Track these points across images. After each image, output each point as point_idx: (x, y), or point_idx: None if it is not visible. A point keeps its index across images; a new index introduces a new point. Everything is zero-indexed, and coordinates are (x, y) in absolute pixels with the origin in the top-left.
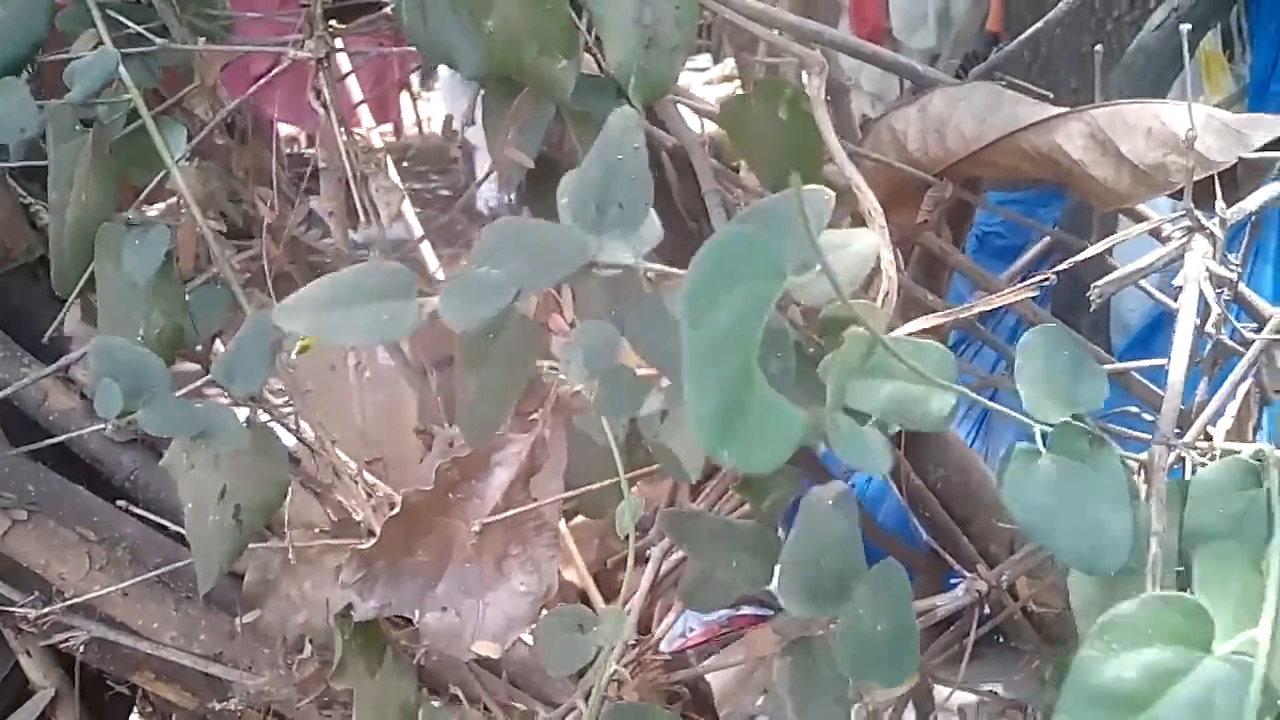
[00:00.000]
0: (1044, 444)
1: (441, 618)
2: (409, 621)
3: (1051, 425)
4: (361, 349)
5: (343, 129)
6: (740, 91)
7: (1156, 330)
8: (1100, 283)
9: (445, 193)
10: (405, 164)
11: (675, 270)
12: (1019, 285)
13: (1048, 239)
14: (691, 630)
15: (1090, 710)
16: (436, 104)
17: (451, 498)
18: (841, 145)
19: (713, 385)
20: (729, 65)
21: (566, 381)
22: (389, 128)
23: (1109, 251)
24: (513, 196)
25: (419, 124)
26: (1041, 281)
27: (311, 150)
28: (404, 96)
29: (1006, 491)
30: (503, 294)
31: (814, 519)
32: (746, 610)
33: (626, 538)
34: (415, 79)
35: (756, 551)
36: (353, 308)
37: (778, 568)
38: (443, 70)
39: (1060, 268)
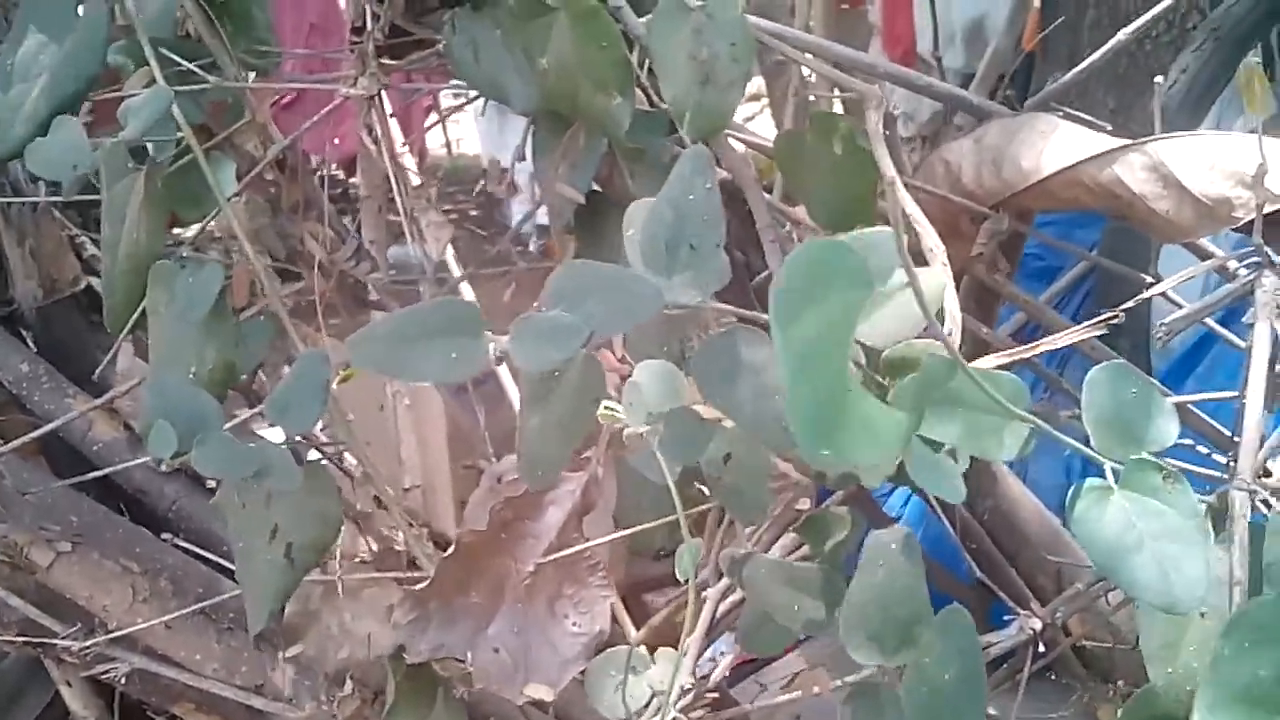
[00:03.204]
0: (1115, 481)
1: (495, 659)
2: (460, 661)
3: (1122, 462)
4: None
5: (392, 164)
6: (793, 127)
7: (1198, 355)
8: (1169, 319)
9: (474, 213)
10: (434, 185)
11: (742, 311)
12: (1086, 325)
13: (1085, 262)
14: (722, 654)
15: (1231, 708)
16: (466, 125)
17: (505, 537)
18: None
19: (810, 387)
20: (757, 83)
21: (619, 420)
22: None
23: (1153, 279)
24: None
25: (448, 145)
26: (1110, 319)
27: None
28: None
29: (1078, 529)
30: (574, 337)
31: (878, 563)
32: None
33: (685, 581)
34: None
35: (818, 594)
36: (422, 344)
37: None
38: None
39: (1125, 305)
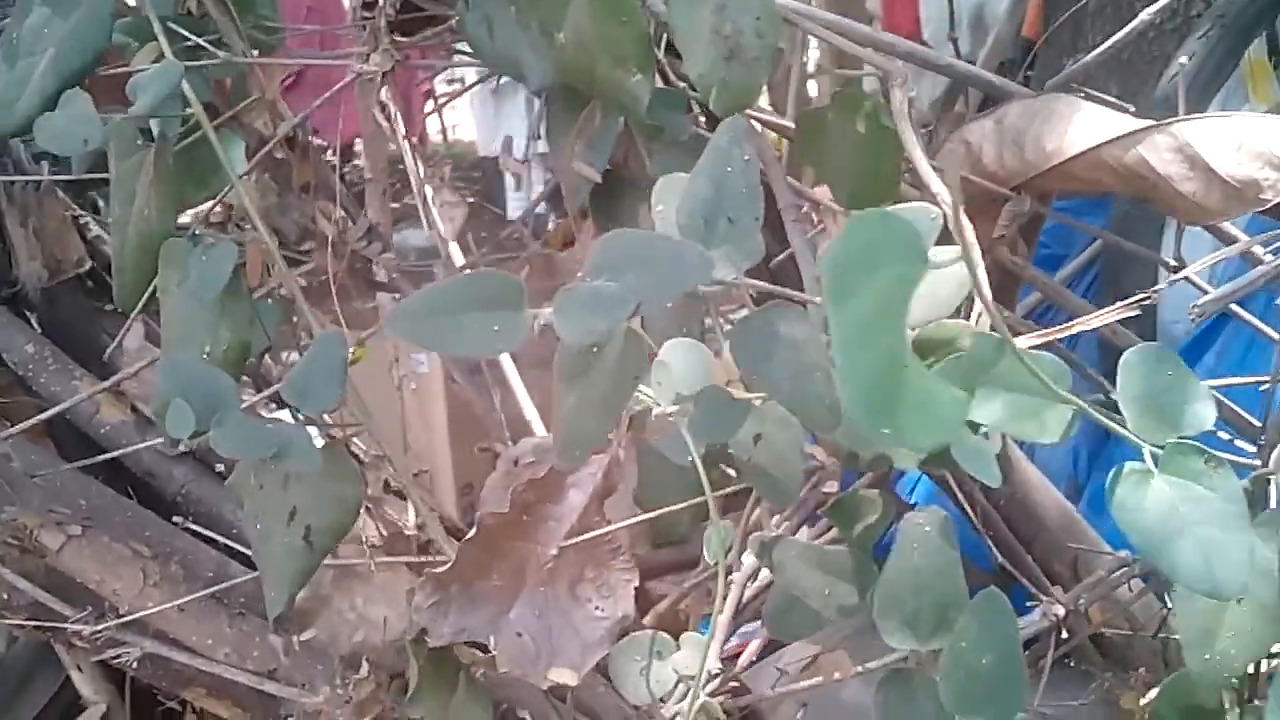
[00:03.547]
0: (1155, 465)
1: (517, 643)
2: (482, 646)
3: (1161, 446)
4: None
5: (404, 142)
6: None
7: (1204, 343)
8: (1200, 302)
9: (471, 200)
10: (446, 166)
11: (778, 289)
12: (1115, 308)
13: (1092, 248)
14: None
15: None
16: (461, 111)
17: (526, 520)
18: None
19: (865, 364)
20: None
21: (647, 400)
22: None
23: (1160, 263)
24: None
25: (444, 131)
26: (1143, 300)
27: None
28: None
29: (1118, 513)
30: (620, 308)
31: (913, 546)
32: None
33: (715, 564)
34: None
35: (850, 578)
36: (462, 317)
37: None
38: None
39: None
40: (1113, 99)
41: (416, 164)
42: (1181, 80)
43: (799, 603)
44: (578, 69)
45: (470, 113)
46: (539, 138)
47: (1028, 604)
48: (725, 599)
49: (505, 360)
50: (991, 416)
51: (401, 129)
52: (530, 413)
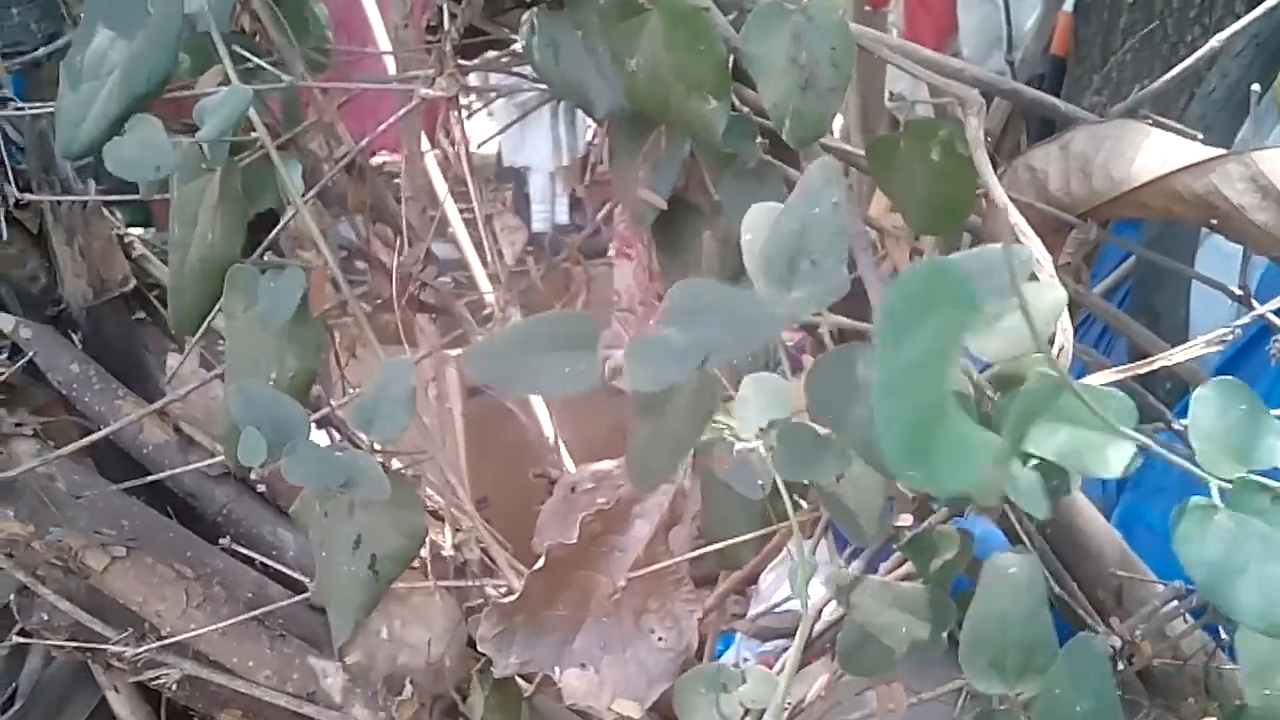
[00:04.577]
0: (1221, 499)
1: (581, 674)
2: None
3: (1229, 481)
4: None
5: (466, 164)
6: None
7: (1240, 360)
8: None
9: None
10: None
11: (857, 324)
12: (1209, 337)
13: (1124, 266)
14: (746, 660)
15: None
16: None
17: (592, 550)
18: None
19: (904, 407)
20: None
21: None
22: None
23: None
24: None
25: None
26: (1228, 335)
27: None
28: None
29: (1180, 548)
30: (688, 360)
31: (998, 587)
32: None
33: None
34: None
35: (926, 615)
36: (537, 358)
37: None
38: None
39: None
40: (1177, 125)
41: (480, 189)
42: (1216, 100)
43: (872, 639)
44: (650, 96)
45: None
46: (601, 162)
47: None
48: (804, 637)
49: None
50: (1053, 451)
51: (468, 148)
52: (548, 427)
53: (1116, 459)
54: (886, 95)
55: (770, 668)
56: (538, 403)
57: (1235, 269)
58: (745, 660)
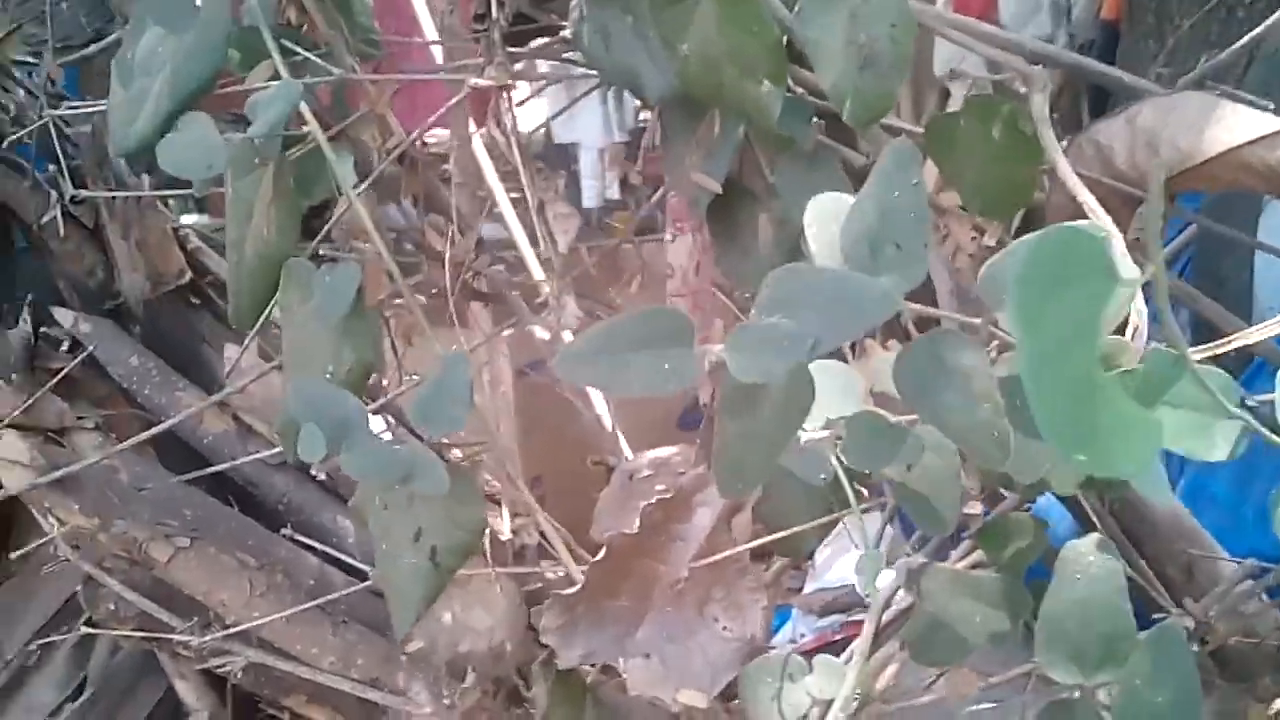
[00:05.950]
0: None
1: (646, 665)
2: (612, 669)
3: None
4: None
5: (519, 152)
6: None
7: None
8: None
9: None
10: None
11: (937, 312)
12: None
13: (1186, 233)
14: (803, 636)
15: None
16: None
17: (654, 540)
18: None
19: (1059, 387)
20: None
21: None
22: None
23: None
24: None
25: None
26: None
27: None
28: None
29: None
30: (797, 347)
31: (1076, 575)
32: (859, 615)
33: (866, 595)
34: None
35: (1000, 604)
36: (632, 356)
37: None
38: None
39: None
40: (1247, 95)
41: (532, 176)
42: (1276, 63)
43: (944, 628)
44: (702, 80)
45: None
46: (653, 147)
47: (1154, 615)
48: (873, 627)
49: None
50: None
51: (521, 136)
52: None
53: (1224, 440)
54: (947, 71)
55: (828, 644)
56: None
57: None
58: (802, 636)
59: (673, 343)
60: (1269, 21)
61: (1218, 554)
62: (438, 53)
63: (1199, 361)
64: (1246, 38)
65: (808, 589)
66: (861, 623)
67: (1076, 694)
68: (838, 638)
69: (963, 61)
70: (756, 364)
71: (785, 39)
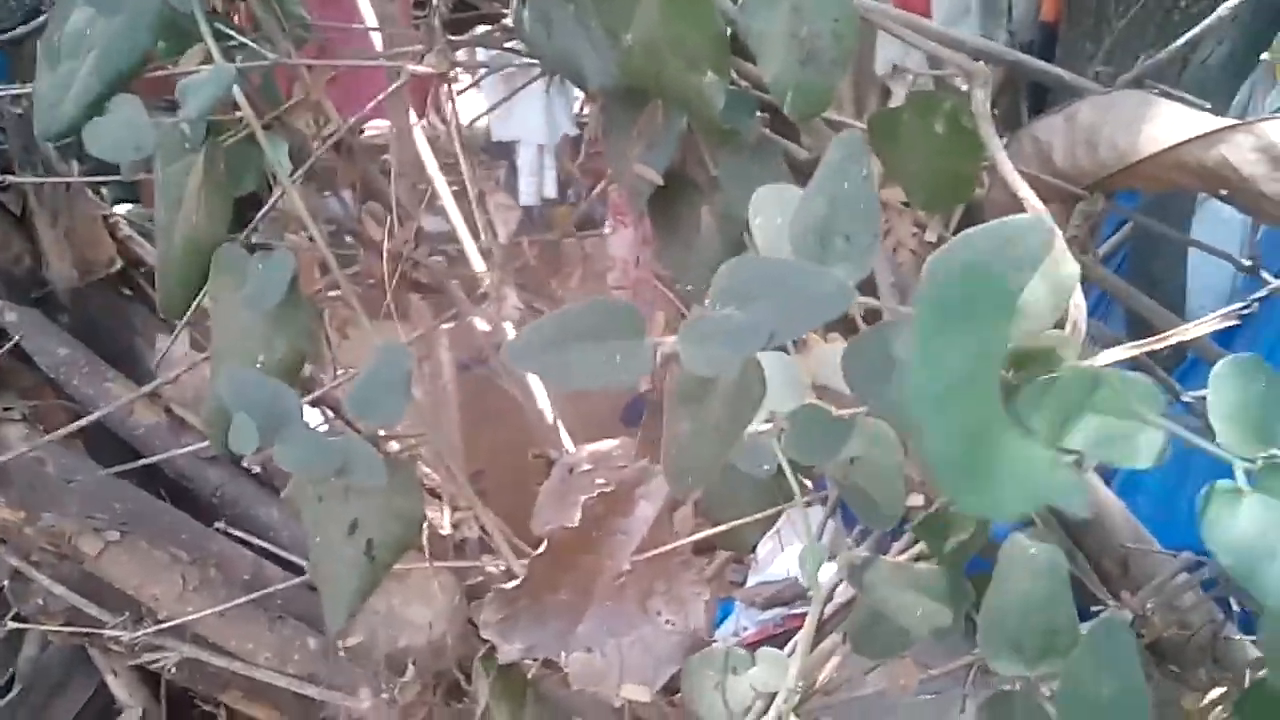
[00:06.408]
0: (1247, 481)
1: (588, 659)
2: (554, 664)
3: (1254, 462)
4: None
5: (459, 142)
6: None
7: (1236, 328)
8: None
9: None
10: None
11: (886, 305)
12: (1212, 317)
13: (1121, 232)
14: (745, 629)
15: None
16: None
17: (596, 534)
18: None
19: (954, 430)
20: None
21: None
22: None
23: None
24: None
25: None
26: (1244, 309)
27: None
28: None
29: (1207, 533)
30: (752, 339)
31: (1017, 568)
32: (801, 608)
33: (809, 588)
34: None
35: (944, 598)
36: (582, 347)
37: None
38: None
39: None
40: (1185, 95)
41: (472, 167)
42: (1213, 66)
43: (885, 620)
44: (645, 70)
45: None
46: (596, 139)
47: (1091, 608)
48: (815, 619)
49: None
50: (1081, 443)
51: (460, 125)
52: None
53: (1147, 448)
54: (890, 67)
55: (770, 637)
56: (534, 380)
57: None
58: (745, 629)
59: (623, 334)
60: (1204, 23)
61: (1153, 548)
62: (377, 41)
63: (1133, 357)
64: (1183, 39)
65: (750, 582)
66: (803, 616)
67: (1018, 686)
68: (780, 631)
69: (905, 60)
70: (710, 356)
71: (730, 31)
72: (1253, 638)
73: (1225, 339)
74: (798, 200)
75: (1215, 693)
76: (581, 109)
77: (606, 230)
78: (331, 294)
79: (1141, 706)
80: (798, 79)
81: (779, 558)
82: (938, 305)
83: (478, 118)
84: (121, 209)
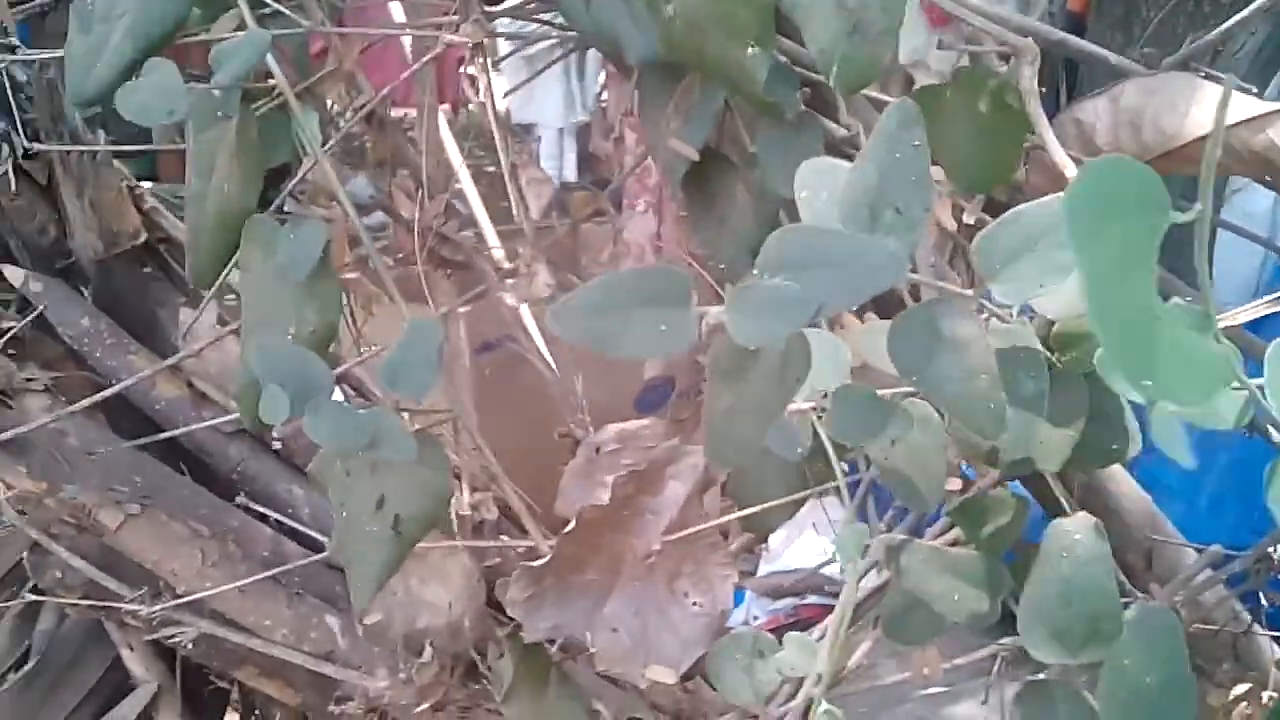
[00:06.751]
0: None
1: (614, 639)
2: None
3: None
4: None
5: (492, 116)
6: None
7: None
8: None
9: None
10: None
11: (933, 282)
12: (1272, 297)
13: None
14: (756, 618)
15: None
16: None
17: (624, 514)
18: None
19: (1117, 310)
20: None
21: None
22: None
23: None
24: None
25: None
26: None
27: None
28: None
29: (1276, 506)
30: (801, 311)
31: (1062, 554)
32: (812, 599)
33: (843, 571)
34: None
35: (981, 584)
36: (627, 316)
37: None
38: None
39: None
40: (1232, 78)
41: (506, 141)
42: (1244, 57)
43: (920, 606)
44: (686, 43)
45: (501, 78)
46: (630, 114)
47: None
48: (848, 602)
49: (533, 328)
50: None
51: (495, 100)
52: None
53: (1227, 410)
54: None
55: (780, 627)
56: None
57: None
58: (755, 619)
59: (671, 303)
60: (1237, 17)
61: (1178, 540)
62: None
63: None
64: (1215, 32)
65: (761, 572)
66: (815, 606)
67: (1054, 676)
68: (791, 620)
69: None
70: (759, 327)
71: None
72: (1275, 634)
73: (1251, 330)
74: (845, 174)
75: (1239, 689)
76: (601, 92)
77: (625, 213)
78: (348, 277)
79: (1189, 695)
80: (844, 50)
81: (790, 548)
82: (1088, 196)
83: (504, 94)
84: (146, 185)
